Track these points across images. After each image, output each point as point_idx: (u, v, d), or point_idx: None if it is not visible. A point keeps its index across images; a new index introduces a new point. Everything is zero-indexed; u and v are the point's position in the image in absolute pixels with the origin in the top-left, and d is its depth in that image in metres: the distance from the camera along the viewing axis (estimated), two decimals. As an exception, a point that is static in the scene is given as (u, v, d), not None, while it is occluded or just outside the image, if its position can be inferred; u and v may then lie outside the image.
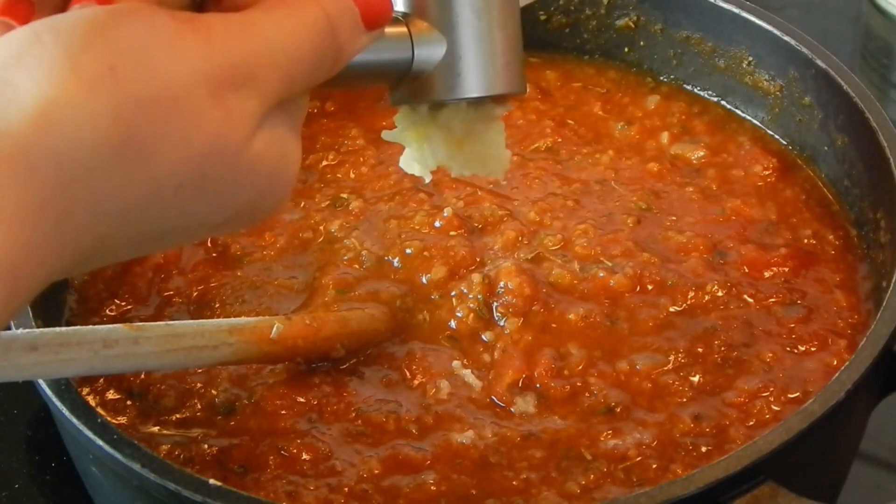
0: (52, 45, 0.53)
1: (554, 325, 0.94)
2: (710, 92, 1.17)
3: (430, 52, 0.71)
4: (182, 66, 0.55)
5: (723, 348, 0.92)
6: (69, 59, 0.52)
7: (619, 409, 0.88)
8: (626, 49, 1.21)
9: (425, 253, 0.99)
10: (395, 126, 0.77)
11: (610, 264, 0.98)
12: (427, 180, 0.80)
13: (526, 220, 1.02)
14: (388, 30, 0.69)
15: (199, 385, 0.90)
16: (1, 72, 0.52)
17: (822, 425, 0.77)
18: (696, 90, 1.18)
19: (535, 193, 1.06)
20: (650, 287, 0.96)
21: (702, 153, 1.10)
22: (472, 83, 0.72)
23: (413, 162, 0.79)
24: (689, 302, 0.95)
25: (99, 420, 0.79)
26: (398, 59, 0.71)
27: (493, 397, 0.89)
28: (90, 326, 0.82)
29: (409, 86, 0.72)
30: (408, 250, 0.99)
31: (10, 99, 0.51)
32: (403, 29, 0.71)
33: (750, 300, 0.96)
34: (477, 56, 0.72)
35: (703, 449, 0.85)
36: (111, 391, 0.91)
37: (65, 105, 0.52)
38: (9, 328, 0.84)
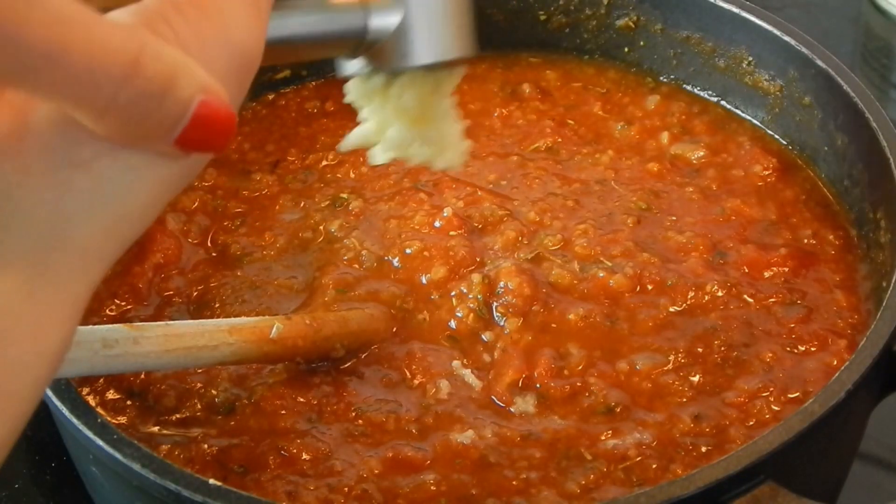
0: None
1: (554, 325, 0.94)
2: (710, 92, 1.17)
3: (386, 20, 0.68)
4: None
5: (723, 348, 0.92)
6: None
7: (619, 409, 0.88)
8: (626, 49, 1.21)
9: (425, 253, 0.99)
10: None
11: (610, 264, 0.98)
12: (379, 162, 0.77)
13: (526, 220, 1.02)
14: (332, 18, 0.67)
15: (199, 385, 0.90)
16: None
17: (822, 425, 0.77)
18: (696, 90, 1.18)
19: (535, 193, 1.06)
20: (650, 287, 0.96)
21: (702, 153, 1.11)
22: (429, 49, 0.70)
23: (365, 137, 0.76)
24: (688, 302, 0.95)
25: (99, 420, 0.79)
26: (352, 28, 0.68)
27: (493, 397, 0.89)
28: (90, 326, 0.82)
29: (362, 56, 0.70)
30: (408, 250, 0.99)
31: None
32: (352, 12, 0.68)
33: (750, 300, 0.96)
34: (432, 21, 0.70)
35: (703, 449, 0.85)
36: (111, 391, 0.91)
37: None
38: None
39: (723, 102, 1.17)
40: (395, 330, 0.94)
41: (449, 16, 0.70)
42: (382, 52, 0.69)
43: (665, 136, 1.12)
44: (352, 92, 0.75)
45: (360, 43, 0.69)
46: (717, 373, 0.90)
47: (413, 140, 0.76)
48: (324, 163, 1.11)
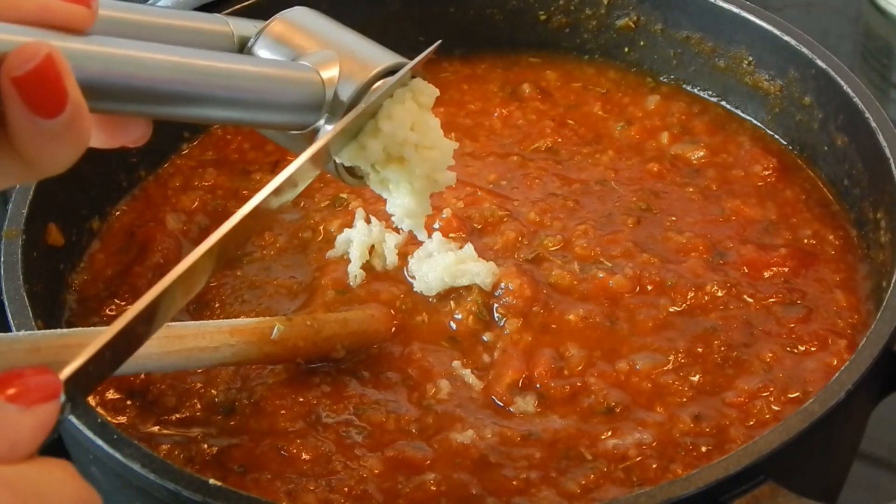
0: None
1: (554, 326, 0.94)
2: (710, 92, 1.17)
3: (330, 69, 0.77)
4: None
5: (723, 348, 0.92)
6: None
7: (619, 409, 0.88)
8: (626, 49, 1.21)
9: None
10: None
11: (610, 265, 0.98)
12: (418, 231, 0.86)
13: (526, 220, 1.02)
14: (286, 73, 0.76)
15: (199, 385, 0.90)
16: None
17: (822, 425, 0.78)
18: (696, 90, 1.18)
19: (535, 193, 1.06)
20: (650, 287, 0.96)
21: (702, 153, 1.11)
22: (376, 58, 0.79)
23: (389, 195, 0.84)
24: (688, 302, 0.95)
25: (99, 420, 0.79)
26: (310, 88, 0.77)
27: (493, 397, 0.89)
28: (91, 328, 0.82)
29: (332, 111, 0.78)
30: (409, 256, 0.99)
31: None
32: (301, 67, 0.77)
33: (750, 300, 0.96)
34: (360, 44, 0.80)
35: (703, 449, 0.85)
36: (111, 391, 0.91)
37: None
38: (10, 330, 0.84)
39: (723, 102, 1.17)
40: (394, 330, 0.94)
41: (367, 41, 0.81)
42: (345, 87, 0.77)
43: (665, 136, 1.13)
44: (344, 157, 0.82)
45: (321, 101, 0.77)
46: (717, 373, 0.90)
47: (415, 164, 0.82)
48: (324, 163, 1.11)
